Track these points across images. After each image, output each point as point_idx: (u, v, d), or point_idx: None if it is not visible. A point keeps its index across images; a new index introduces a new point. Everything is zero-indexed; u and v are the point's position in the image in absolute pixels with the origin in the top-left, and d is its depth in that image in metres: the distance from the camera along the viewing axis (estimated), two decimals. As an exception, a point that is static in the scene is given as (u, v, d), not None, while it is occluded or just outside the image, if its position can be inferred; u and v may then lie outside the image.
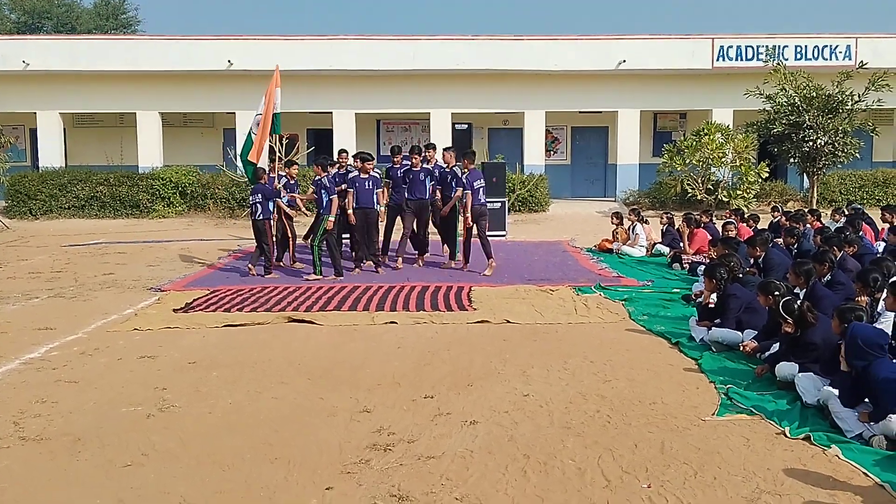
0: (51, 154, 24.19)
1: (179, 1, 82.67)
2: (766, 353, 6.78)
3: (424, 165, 12.54)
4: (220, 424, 5.53)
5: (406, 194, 12.52)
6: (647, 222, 14.97)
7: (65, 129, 25.20)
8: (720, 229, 12.90)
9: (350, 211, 12.02)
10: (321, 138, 24.75)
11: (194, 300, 10.07)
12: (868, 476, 4.56)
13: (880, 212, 13.66)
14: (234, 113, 24.29)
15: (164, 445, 5.12)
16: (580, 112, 25.61)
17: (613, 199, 24.94)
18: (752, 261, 9.91)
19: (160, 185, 22.17)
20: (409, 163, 12.57)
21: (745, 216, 13.86)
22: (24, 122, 25.95)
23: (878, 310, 6.83)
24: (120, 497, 4.38)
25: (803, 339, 6.16)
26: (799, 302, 6.32)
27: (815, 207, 15.59)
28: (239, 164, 13.50)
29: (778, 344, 6.65)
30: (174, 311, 9.44)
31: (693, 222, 13.27)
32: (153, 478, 4.63)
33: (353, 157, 13.12)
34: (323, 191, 11.59)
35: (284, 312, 9.19)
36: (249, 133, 13.51)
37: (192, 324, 8.75)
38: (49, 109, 24.18)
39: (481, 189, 12.02)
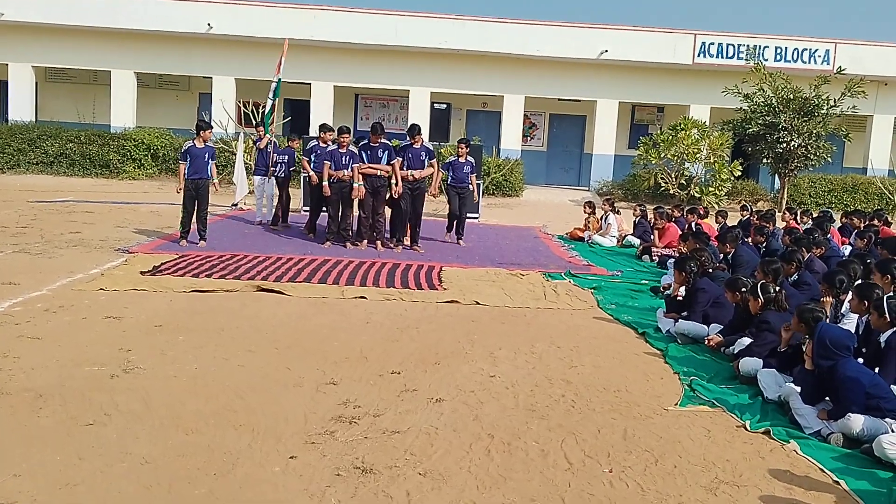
0: (21, 108, 23.80)
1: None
2: (731, 348, 6.89)
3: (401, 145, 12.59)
4: (185, 388, 5.49)
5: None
6: (619, 213, 15.06)
7: (37, 83, 24.76)
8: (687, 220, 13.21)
9: (325, 183, 11.98)
10: (298, 109, 24.57)
11: (162, 263, 9.97)
12: (824, 472, 4.64)
13: (845, 217, 13.91)
14: (210, 78, 24.05)
15: (128, 406, 5.08)
16: (559, 99, 25.66)
17: (587, 188, 25.06)
18: (721, 256, 10.03)
19: (132, 146, 21.93)
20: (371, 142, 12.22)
21: (702, 214, 13.96)
22: (-5, 74, 25.49)
23: (843, 311, 6.96)
24: (81, 455, 4.34)
25: (763, 318, 6.36)
26: (776, 288, 6.52)
27: (792, 207, 15.79)
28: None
29: (744, 340, 6.76)
30: (141, 273, 9.34)
31: (665, 216, 13.38)
32: (115, 438, 4.60)
33: (322, 130, 13.10)
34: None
35: (254, 281, 9.14)
36: (277, 89, 15.29)
37: (159, 287, 8.66)
38: (21, 62, 23.80)
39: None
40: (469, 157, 13.04)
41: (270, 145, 14.33)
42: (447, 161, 13.34)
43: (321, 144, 12.89)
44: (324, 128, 13.17)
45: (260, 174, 14.42)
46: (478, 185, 17.01)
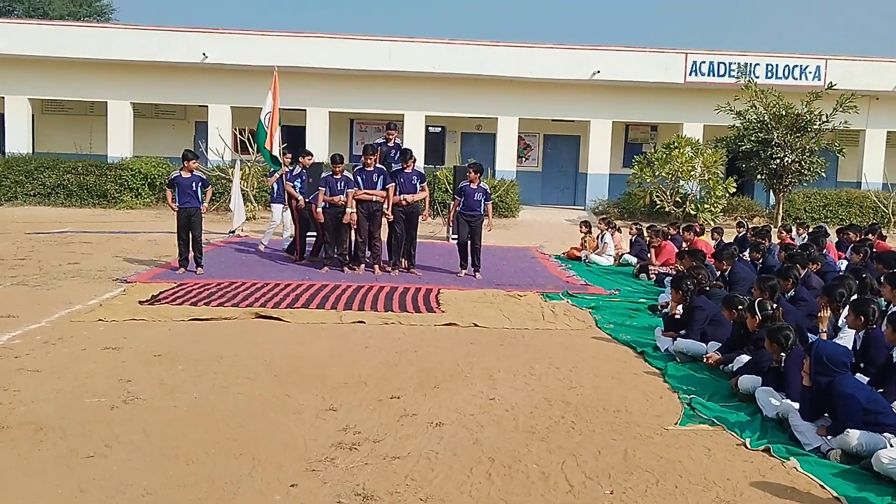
0: (18, 140, 23.87)
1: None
2: (729, 365, 6.90)
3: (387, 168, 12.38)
4: (185, 418, 5.49)
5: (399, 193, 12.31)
6: (620, 231, 15.10)
7: (33, 115, 24.84)
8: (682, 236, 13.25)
9: (319, 209, 12.03)
10: (294, 135, 24.66)
11: (160, 292, 9.97)
12: (825, 488, 4.64)
13: (840, 233, 13.95)
14: (206, 106, 24.16)
15: (128, 437, 5.08)
16: (553, 120, 25.80)
17: (583, 207, 25.14)
18: (718, 274, 10.06)
19: (129, 175, 21.97)
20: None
21: (698, 231, 13.97)
22: (-9, 107, 25.59)
23: (839, 324, 6.99)
24: (82, 487, 4.34)
25: (760, 335, 6.38)
26: (773, 305, 6.55)
27: (786, 223, 15.84)
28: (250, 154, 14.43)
29: (743, 357, 6.77)
30: (140, 302, 9.35)
31: (661, 234, 13.42)
32: (116, 469, 4.59)
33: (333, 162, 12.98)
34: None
35: (252, 308, 9.14)
36: (260, 124, 14.68)
37: (157, 316, 8.67)
38: (18, 95, 23.87)
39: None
40: (482, 184, 12.15)
41: (304, 173, 13.80)
42: (458, 187, 12.49)
43: (334, 176, 12.18)
44: (335, 159, 12.26)
45: (279, 202, 14.39)
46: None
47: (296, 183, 13.36)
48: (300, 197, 13.12)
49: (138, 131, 24.79)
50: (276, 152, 14.56)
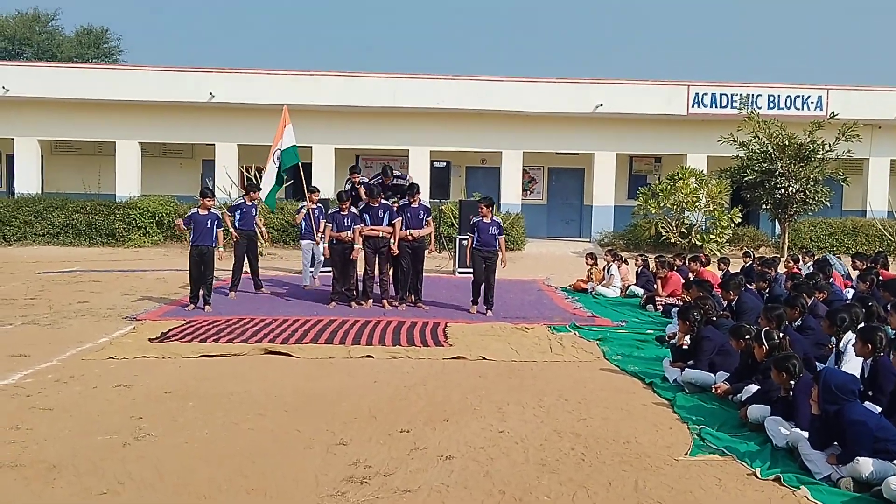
0: (27, 180, 24.11)
1: (162, 32, 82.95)
2: (738, 395, 6.90)
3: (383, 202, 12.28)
4: (197, 454, 5.52)
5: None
6: (626, 262, 15.14)
7: (42, 156, 25.12)
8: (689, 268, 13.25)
9: (326, 245, 12.14)
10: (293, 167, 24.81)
11: (170, 330, 10.03)
12: (836, 517, 4.64)
13: (850, 259, 13.95)
14: (213, 144, 24.39)
15: (140, 474, 5.11)
16: (557, 153, 25.95)
17: (588, 239, 25.19)
18: (725, 304, 10.07)
19: (137, 214, 22.12)
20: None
21: (704, 262, 13.97)
22: (0, 148, 25.87)
23: (841, 347, 7.03)
24: (95, 525, 4.36)
25: (768, 365, 6.35)
26: (780, 334, 6.57)
27: (794, 254, 15.87)
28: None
29: (751, 387, 6.78)
30: (150, 340, 9.40)
31: (667, 265, 13.45)
32: (129, 506, 4.62)
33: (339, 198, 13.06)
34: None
35: (261, 344, 9.18)
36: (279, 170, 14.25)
37: (167, 353, 8.71)
38: (27, 136, 24.16)
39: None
40: (495, 218, 11.93)
41: (317, 209, 14.23)
42: (471, 223, 12.16)
43: (341, 212, 12.28)
44: (340, 197, 12.54)
45: (308, 238, 14.47)
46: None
47: (235, 214, 13.43)
48: (233, 230, 13.19)
49: (146, 170, 25.02)
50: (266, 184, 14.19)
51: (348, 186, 13.24)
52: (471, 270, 12.35)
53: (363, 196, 12.47)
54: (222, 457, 5.48)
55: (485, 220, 11.86)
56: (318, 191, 14.36)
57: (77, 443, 5.70)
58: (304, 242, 14.59)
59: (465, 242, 12.20)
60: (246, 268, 13.54)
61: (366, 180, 13.33)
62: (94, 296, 13.04)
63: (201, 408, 6.67)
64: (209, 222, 11.65)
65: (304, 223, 14.47)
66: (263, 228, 14.79)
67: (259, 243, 15.12)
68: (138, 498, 4.74)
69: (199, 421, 6.30)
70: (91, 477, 5.05)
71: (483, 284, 11.98)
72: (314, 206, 14.17)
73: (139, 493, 4.82)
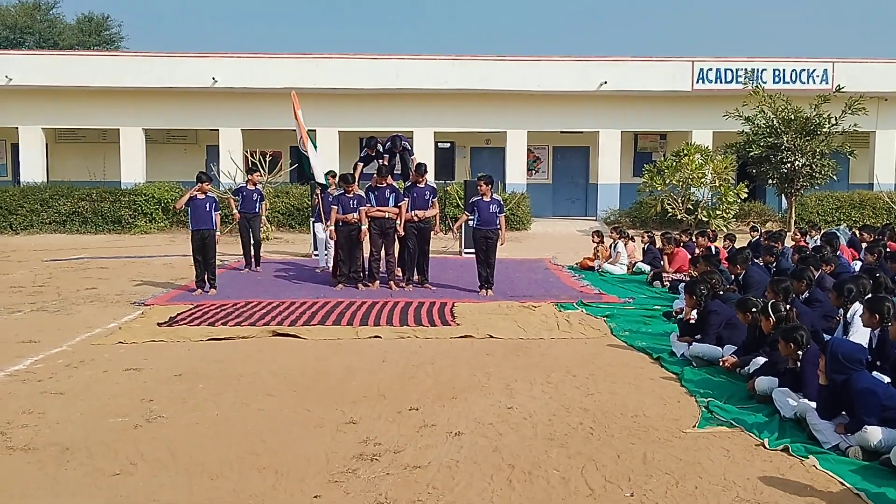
0: (33, 169, 24.17)
1: (164, 17, 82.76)
2: (746, 368, 6.92)
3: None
4: (208, 434, 5.57)
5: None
6: (633, 240, 15.13)
7: (47, 144, 25.15)
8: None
9: (332, 227, 12.14)
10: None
11: (178, 314, 10.08)
12: (844, 485, 4.66)
13: (857, 232, 13.93)
14: (217, 130, 24.39)
15: (153, 455, 5.16)
16: (562, 132, 25.88)
17: (594, 217, 25.18)
18: (732, 278, 10.08)
19: (143, 201, 22.18)
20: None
21: (711, 237, 13.95)
22: (5, 137, 25.98)
23: (848, 318, 7.04)
24: (109, 505, 4.41)
25: (775, 337, 6.37)
26: (787, 306, 6.57)
27: (802, 227, 15.84)
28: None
29: (759, 359, 6.80)
30: (158, 324, 9.45)
31: (673, 241, 13.44)
32: (142, 486, 4.66)
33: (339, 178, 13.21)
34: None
35: (269, 327, 9.23)
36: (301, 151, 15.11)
37: (176, 337, 8.76)
38: (31, 124, 24.20)
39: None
40: (496, 196, 11.82)
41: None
42: (470, 203, 12.05)
43: (346, 195, 12.30)
44: (346, 179, 12.33)
45: (320, 220, 14.50)
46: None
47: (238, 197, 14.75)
48: (236, 212, 14.61)
49: (150, 157, 25.07)
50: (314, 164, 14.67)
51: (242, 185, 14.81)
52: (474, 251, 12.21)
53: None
54: (233, 436, 5.53)
55: (484, 198, 11.73)
56: (335, 174, 14.28)
57: (89, 425, 5.75)
58: (320, 225, 14.68)
59: (470, 222, 11.95)
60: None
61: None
62: (102, 282, 13.10)
63: (211, 389, 6.72)
64: (207, 205, 11.70)
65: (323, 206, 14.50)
66: (264, 216, 15.54)
67: (263, 227, 15.63)
68: (151, 477, 4.79)
69: (209, 402, 6.35)
70: (104, 458, 5.10)
71: (485, 264, 11.92)
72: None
73: (152, 472, 4.87)
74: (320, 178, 14.43)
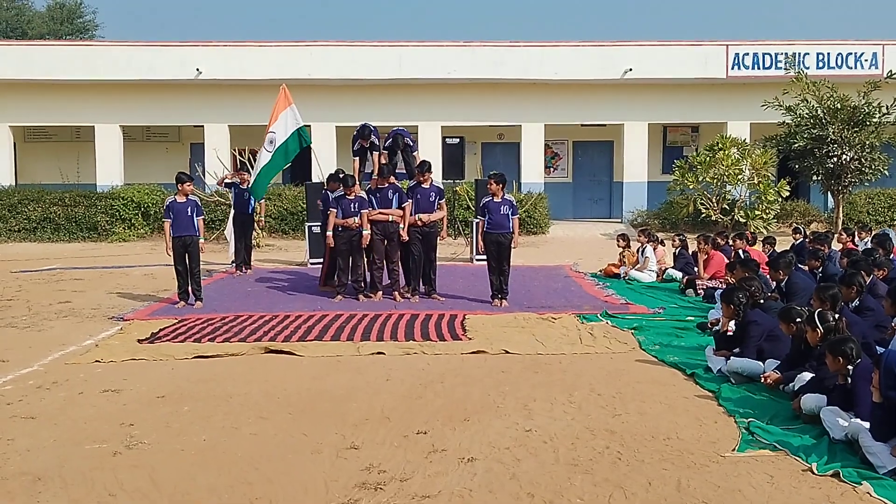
0: (-1, 171, 24.26)
1: (142, 4, 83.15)
2: (790, 384, 6.89)
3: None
4: (194, 462, 5.58)
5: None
6: (662, 244, 15.10)
7: (15, 144, 25.28)
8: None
9: (329, 233, 12.14)
10: (299, 153, 24.86)
11: (160, 330, 10.11)
12: (902, 514, 4.65)
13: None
14: (201, 126, 24.45)
15: (134, 485, 5.17)
16: (582, 125, 25.89)
17: (619, 219, 25.18)
18: (773, 285, 10.05)
19: (120, 205, 22.25)
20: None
21: (750, 240, 13.94)
22: (-31, 137, 26.05)
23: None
24: (86, 540, 4.42)
25: (823, 350, 6.32)
26: (835, 316, 6.53)
27: (848, 227, 15.80)
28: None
29: (805, 375, 6.77)
30: (139, 341, 9.48)
31: (710, 243, 13.39)
32: (122, 520, 4.68)
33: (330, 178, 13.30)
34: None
35: (261, 342, 9.25)
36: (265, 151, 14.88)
37: (159, 355, 8.79)
38: (-3, 122, 24.30)
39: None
40: (507, 196, 11.74)
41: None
42: (481, 205, 12.02)
43: (347, 196, 12.29)
44: (346, 181, 12.31)
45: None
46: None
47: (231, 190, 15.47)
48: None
49: (129, 157, 25.15)
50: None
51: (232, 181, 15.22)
52: (486, 258, 12.18)
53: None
54: (223, 464, 5.54)
55: (495, 199, 11.70)
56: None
57: (63, 453, 5.76)
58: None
59: (477, 225, 11.95)
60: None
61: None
62: (77, 295, 13.15)
63: (198, 412, 6.73)
64: (189, 210, 11.73)
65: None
66: (262, 217, 15.90)
67: (255, 232, 15.82)
68: (132, 510, 4.80)
69: (195, 426, 6.36)
70: (80, 489, 5.11)
71: (497, 271, 11.88)
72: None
73: (133, 504, 4.88)
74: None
